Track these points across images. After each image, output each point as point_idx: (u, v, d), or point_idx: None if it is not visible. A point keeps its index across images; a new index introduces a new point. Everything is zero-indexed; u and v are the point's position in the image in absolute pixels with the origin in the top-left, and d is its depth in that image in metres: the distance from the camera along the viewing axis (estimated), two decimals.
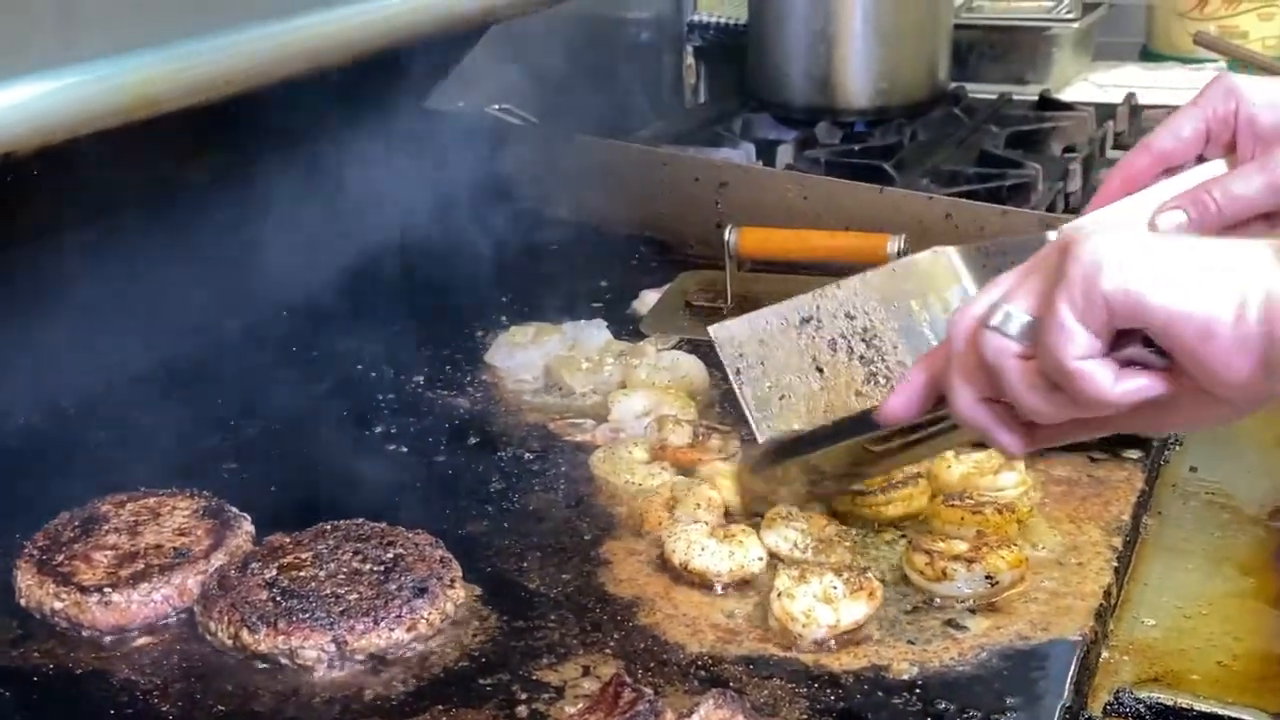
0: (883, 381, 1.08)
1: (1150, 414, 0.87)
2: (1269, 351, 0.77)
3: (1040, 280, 0.85)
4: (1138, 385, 0.83)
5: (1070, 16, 2.75)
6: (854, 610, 1.07)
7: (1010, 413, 0.90)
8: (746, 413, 1.10)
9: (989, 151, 2.29)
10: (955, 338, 0.90)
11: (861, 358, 1.09)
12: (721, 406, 1.45)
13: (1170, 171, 1.08)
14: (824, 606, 1.07)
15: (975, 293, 1.06)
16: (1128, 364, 0.83)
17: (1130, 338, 0.82)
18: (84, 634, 1.10)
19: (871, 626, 1.08)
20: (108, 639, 1.10)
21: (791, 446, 1.11)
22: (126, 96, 1.13)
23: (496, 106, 2.20)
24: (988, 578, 1.10)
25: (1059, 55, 2.74)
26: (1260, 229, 1.08)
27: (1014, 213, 1.73)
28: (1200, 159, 1.08)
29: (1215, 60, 2.84)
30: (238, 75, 1.23)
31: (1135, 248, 0.81)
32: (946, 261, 1.08)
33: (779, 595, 1.09)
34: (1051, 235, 1.06)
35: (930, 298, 1.07)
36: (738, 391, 1.11)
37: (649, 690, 0.93)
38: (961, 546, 1.13)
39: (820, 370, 1.09)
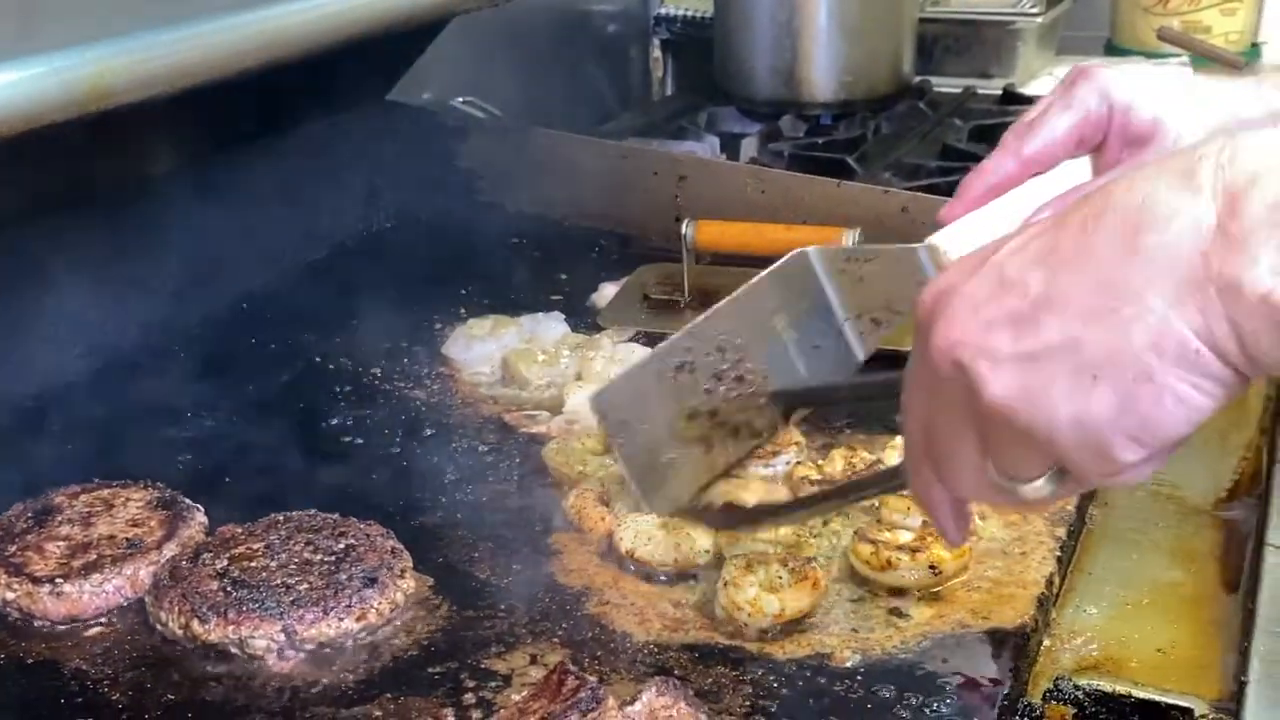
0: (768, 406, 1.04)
1: None
2: (1257, 369, 0.68)
3: (1030, 452, 0.73)
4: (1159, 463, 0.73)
5: (1034, 11, 2.77)
6: (799, 599, 1.09)
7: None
8: (633, 489, 1.04)
9: (951, 145, 2.32)
10: (978, 499, 0.83)
11: (738, 395, 1.03)
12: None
13: (1039, 173, 1.06)
14: (769, 596, 1.08)
15: (835, 299, 1.03)
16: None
17: None
18: (36, 624, 1.10)
19: (816, 615, 1.09)
20: (59, 629, 1.10)
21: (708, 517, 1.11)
22: (82, 89, 1.13)
23: (462, 100, 2.21)
24: (931, 567, 1.11)
25: (1023, 49, 2.76)
26: None
27: None
28: None
29: (1179, 54, 2.86)
30: (195, 68, 1.24)
31: (1100, 407, 0.69)
32: (806, 263, 1.04)
33: (725, 584, 1.10)
34: (923, 252, 1.05)
35: (792, 312, 1.02)
36: (620, 467, 1.04)
37: (592, 678, 0.94)
38: (906, 536, 1.14)
39: (694, 418, 1.03)
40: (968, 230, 1.07)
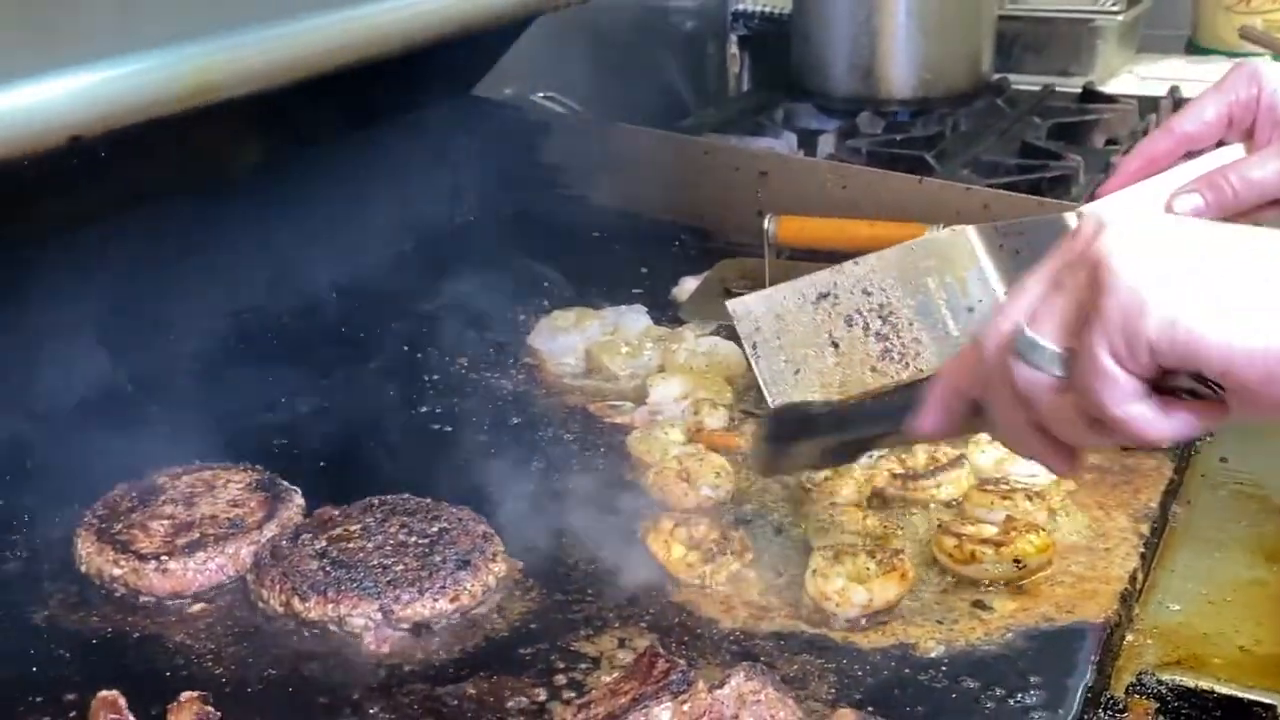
0: (897, 357, 1.10)
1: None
2: None
3: (1069, 304, 0.78)
4: (1185, 423, 0.78)
5: (1115, 9, 2.75)
6: (886, 590, 1.10)
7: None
8: (761, 383, 1.12)
9: (1030, 143, 2.31)
10: (987, 360, 0.85)
11: (877, 334, 1.10)
12: (758, 391, 1.47)
13: (1190, 155, 1.10)
14: (857, 586, 1.10)
15: (993, 273, 1.08)
16: (1173, 393, 0.77)
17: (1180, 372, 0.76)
18: (141, 600, 1.14)
19: (901, 606, 1.11)
20: (164, 605, 1.14)
21: (803, 428, 1.12)
22: (187, 83, 1.17)
23: (542, 94, 2.24)
24: (1015, 561, 1.13)
25: (1103, 47, 2.74)
26: (1272, 216, 1.10)
27: (1051, 204, 1.74)
28: (1220, 144, 1.10)
29: (1260, 54, 2.83)
30: (292, 64, 1.28)
31: (1178, 269, 0.73)
32: (964, 241, 1.09)
33: (813, 574, 1.12)
34: (1071, 218, 1.08)
35: (947, 276, 1.08)
36: (753, 363, 1.13)
37: (682, 662, 0.96)
38: (990, 530, 1.16)
39: (835, 345, 1.11)
40: (1120, 202, 1.09)
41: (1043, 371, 0.80)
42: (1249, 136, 1.10)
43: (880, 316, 1.09)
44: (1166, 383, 0.77)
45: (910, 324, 1.09)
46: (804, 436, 1.12)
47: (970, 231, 1.09)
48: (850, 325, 1.10)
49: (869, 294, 1.10)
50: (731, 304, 1.13)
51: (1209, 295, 0.72)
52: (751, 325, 1.12)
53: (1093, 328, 0.75)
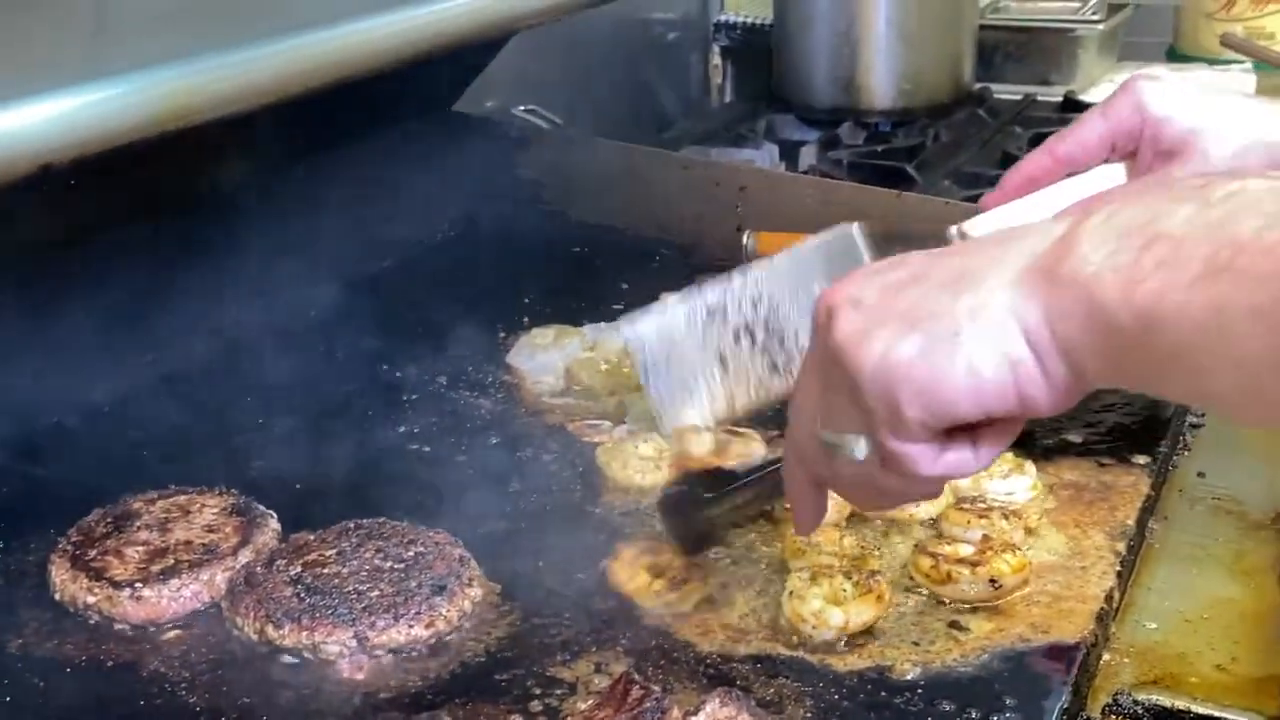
0: (781, 371, 1.09)
1: None
2: (1070, 368, 0.76)
3: (845, 402, 0.83)
4: (996, 441, 0.83)
5: (1096, 18, 2.76)
6: (862, 612, 1.10)
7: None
8: (654, 411, 1.12)
9: (1011, 153, 2.31)
10: (809, 465, 0.92)
11: (763, 347, 1.08)
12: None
13: (1073, 172, 1.12)
14: (833, 608, 1.10)
15: None
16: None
17: None
18: (115, 627, 1.14)
19: (878, 627, 1.11)
20: (138, 632, 1.13)
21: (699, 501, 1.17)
22: (161, 107, 1.17)
23: (523, 108, 2.24)
24: (991, 581, 1.12)
25: (1084, 56, 2.75)
26: None
27: (956, 206, 1.75)
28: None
29: (1241, 61, 2.84)
30: (269, 87, 1.27)
31: (913, 353, 0.78)
32: (850, 241, 1.08)
33: (790, 596, 1.11)
34: (953, 231, 1.09)
35: (831, 278, 1.07)
36: (648, 392, 1.13)
37: (656, 688, 0.96)
38: (967, 550, 1.15)
39: (723, 362, 1.10)
40: (998, 218, 1.12)
41: (856, 462, 0.84)
42: (1132, 158, 1.11)
43: (766, 329, 1.08)
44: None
45: (795, 334, 1.08)
46: (702, 508, 1.17)
47: (855, 231, 1.08)
48: (738, 341, 1.09)
49: (757, 305, 1.09)
50: (625, 330, 1.13)
51: (940, 360, 0.77)
52: (641, 348, 1.12)
53: (873, 424, 0.81)
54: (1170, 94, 1.11)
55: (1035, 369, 0.76)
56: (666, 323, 1.14)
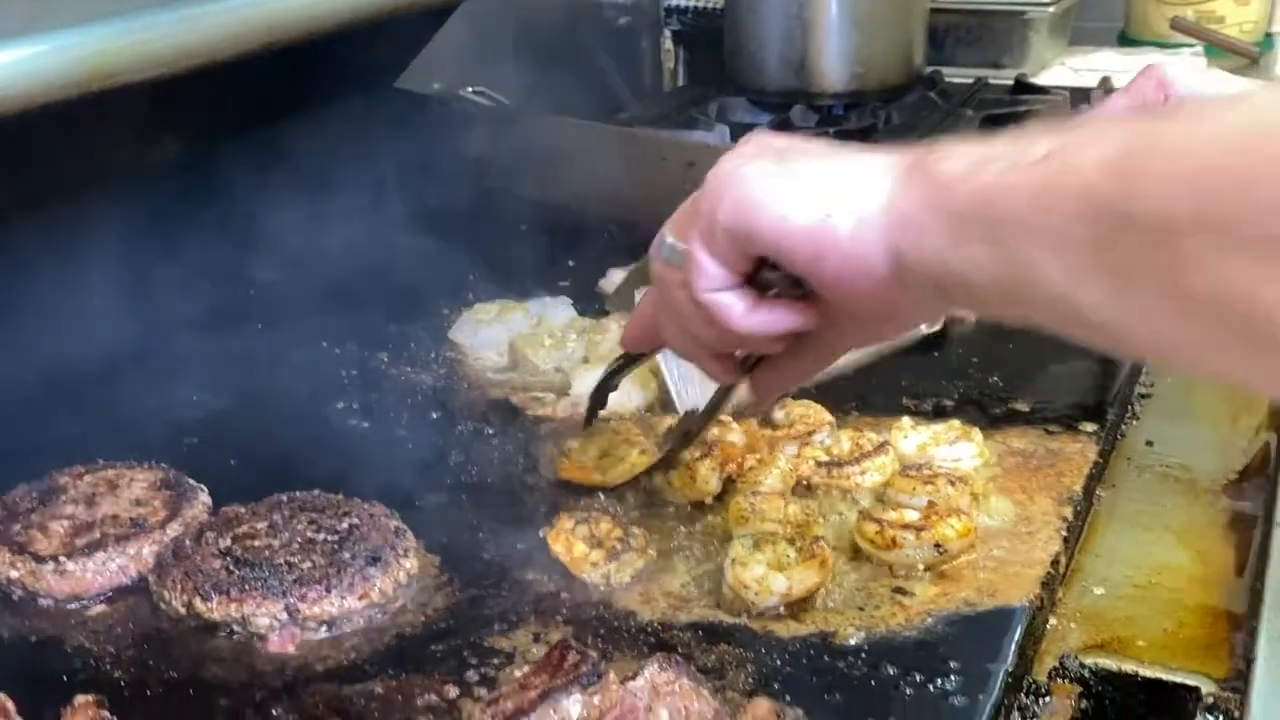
0: None
1: (809, 343, 0.93)
2: (896, 264, 0.79)
3: (691, 208, 0.88)
4: (768, 317, 0.87)
5: (1046, 1, 2.75)
6: (806, 578, 1.08)
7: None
8: (670, 386, 1.11)
9: (963, 134, 2.30)
10: (654, 272, 0.95)
11: None
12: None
13: None
14: (776, 574, 1.08)
15: None
16: (768, 291, 0.86)
17: (769, 265, 0.85)
18: (40, 603, 1.10)
19: (821, 594, 1.09)
20: (63, 608, 1.10)
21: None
22: (85, 69, 1.14)
23: (471, 89, 2.21)
24: (936, 546, 1.11)
25: (1035, 39, 2.74)
26: None
27: None
28: None
29: (1192, 45, 2.85)
30: (196, 49, 1.24)
31: (756, 172, 0.82)
32: None
33: (732, 563, 1.09)
34: None
35: None
36: (662, 366, 1.12)
37: (593, 653, 0.93)
38: (912, 515, 1.14)
39: None
40: None
41: (670, 267, 0.89)
42: None
43: None
44: (762, 279, 0.86)
45: None
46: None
47: None
48: None
49: None
50: (610, 300, 1.13)
51: (773, 185, 0.81)
52: (621, 303, 1.11)
53: (692, 222, 0.86)
54: (1192, 73, 1.11)
55: (847, 232, 0.79)
56: (638, 277, 1.13)
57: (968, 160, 0.75)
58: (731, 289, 0.86)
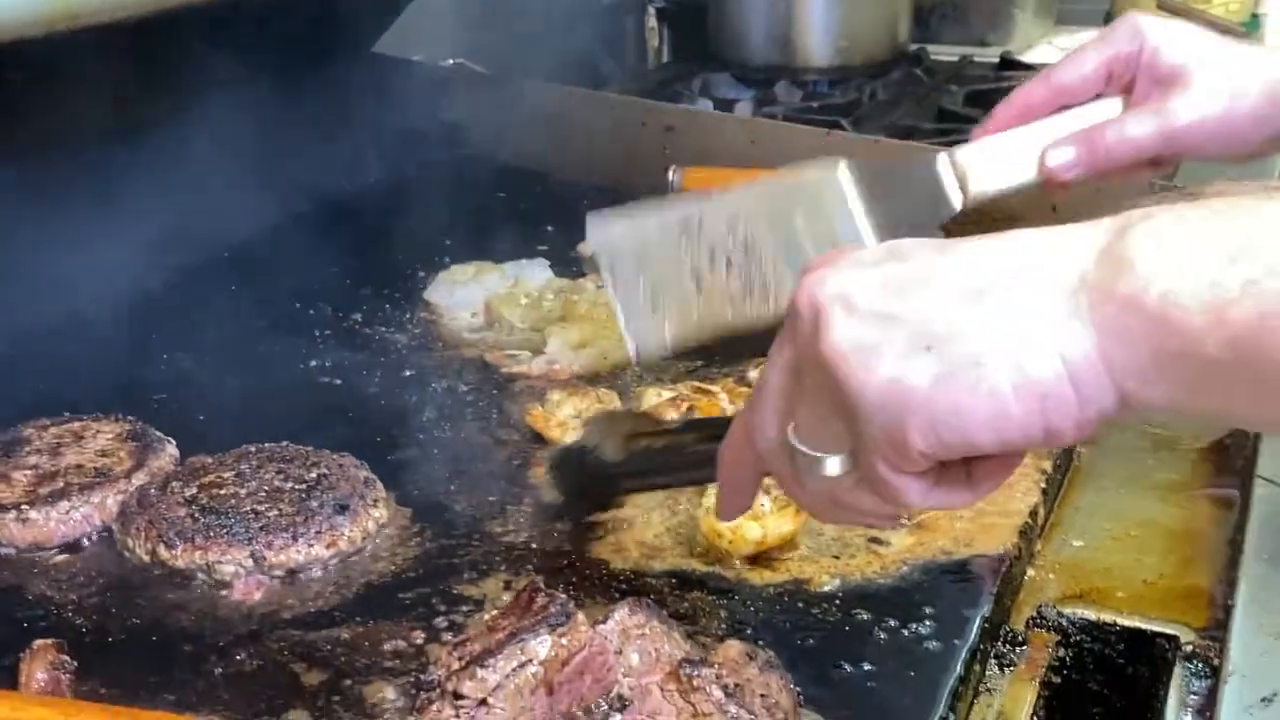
0: (757, 294, 1.03)
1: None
2: (1121, 399, 0.64)
3: (827, 415, 0.71)
4: (946, 497, 0.72)
5: None
6: (781, 526, 1.06)
7: None
8: (618, 320, 1.05)
9: (947, 109, 2.29)
10: (767, 463, 0.78)
11: (740, 268, 1.03)
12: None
13: (1065, 107, 1.06)
14: (751, 523, 1.06)
15: (860, 213, 1.03)
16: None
17: None
18: (1, 552, 1.09)
19: (797, 544, 1.07)
20: (25, 556, 1.09)
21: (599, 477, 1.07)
22: (50, 6, 1.11)
23: (452, 61, 2.19)
24: None
25: (1021, 17, 2.74)
26: (1145, 174, 1.08)
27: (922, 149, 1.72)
28: (1098, 97, 1.07)
29: None
30: None
31: (920, 372, 0.66)
32: (833, 178, 1.04)
33: (707, 511, 1.08)
34: (941, 163, 1.04)
35: (814, 213, 1.02)
36: (609, 293, 1.05)
37: (562, 595, 0.92)
38: None
39: (697, 280, 1.04)
40: (989, 148, 1.06)
41: (828, 478, 0.73)
42: (1127, 91, 1.07)
43: (744, 251, 1.03)
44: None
45: (774, 261, 1.03)
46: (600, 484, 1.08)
47: (841, 167, 1.04)
48: (713, 260, 1.03)
49: (732, 229, 1.03)
50: (591, 222, 1.05)
51: (958, 384, 0.65)
52: (609, 252, 1.05)
53: (864, 448, 0.69)
54: (1167, 25, 1.08)
55: (1071, 400, 0.64)
56: (638, 228, 1.06)
57: (1191, 286, 0.61)
58: (937, 485, 0.71)
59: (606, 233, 1.04)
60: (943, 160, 1.06)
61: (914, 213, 1.04)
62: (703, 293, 1.03)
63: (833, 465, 0.72)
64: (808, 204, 1.03)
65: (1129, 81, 1.07)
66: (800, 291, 0.71)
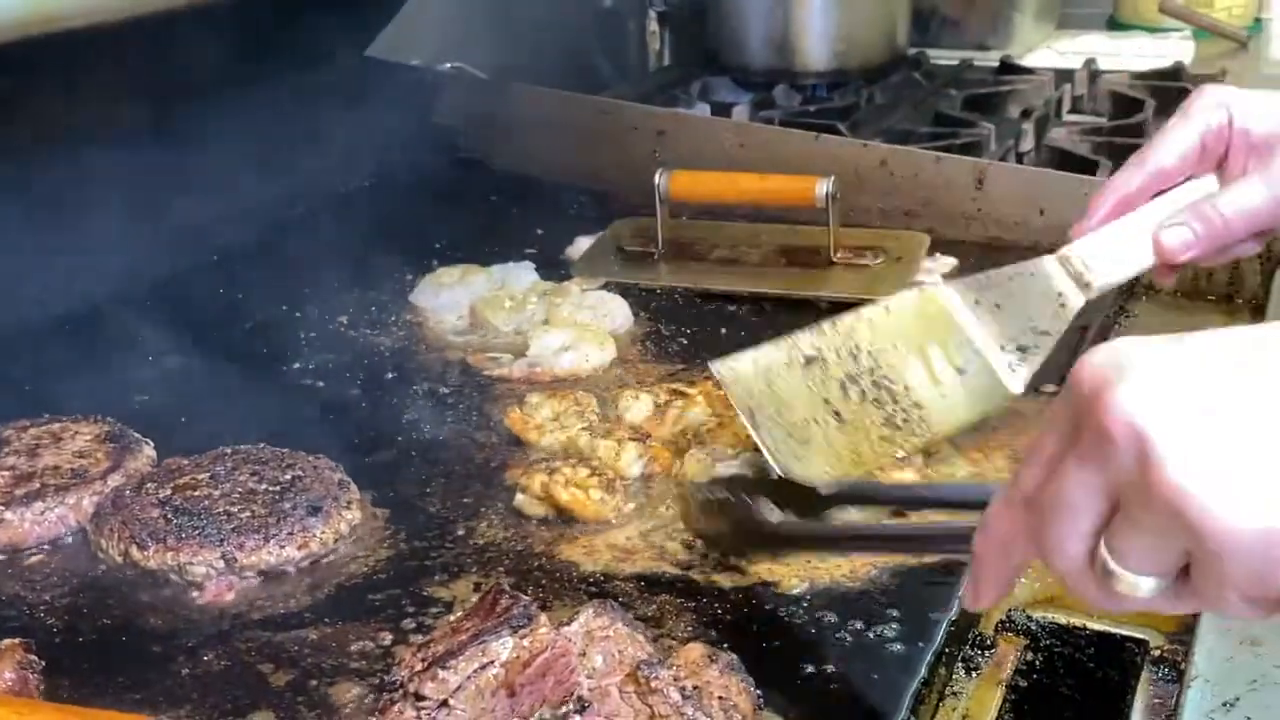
0: (900, 425, 1.02)
1: None
2: None
3: (1158, 541, 0.62)
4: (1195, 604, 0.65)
5: None
6: None
7: None
8: (768, 455, 1.03)
9: (944, 113, 2.29)
10: (1065, 576, 0.67)
11: (875, 401, 1.01)
12: (643, 345, 1.44)
13: (1161, 191, 1.04)
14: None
15: (976, 332, 1.00)
16: None
17: None
18: None
19: None
20: (0, 557, 1.09)
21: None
22: (29, 9, 1.12)
23: (449, 65, 2.19)
24: None
25: (1021, 21, 2.73)
26: (1251, 248, 1.04)
27: (948, 159, 1.72)
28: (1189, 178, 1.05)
29: (1180, 29, 2.83)
30: None
31: (1271, 479, 0.58)
32: (939, 306, 1.02)
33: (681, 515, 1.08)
34: (1050, 265, 1.02)
35: (930, 338, 1.01)
36: (754, 434, 1.04)
37: (526, 597, 0.92)
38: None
39: (838, 414, 1.03)
40: (1097, 243, 1.03)
41: (1142, 597, 0.65)
42: (1219, 166, 1.04)
43: (874, 382, 1.01)
44: None
45: (906, 389, 1.01)
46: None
47: (945, 294, 1.02)
48: (846, 392, 1.01)
49: (856, 357, 1.02)
50: (717, 367, 1.04)
51: None
52: (743, 389, 1.04)
53: (1211, 579, 0.61)
54: (1246, 94, 1.04)
55: None
56: (764, 360, 1.05)
57: None
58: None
59: (733, 369, 1.04)
60: (1051, 262, 1.03)
61: (1034, 320, 1.02)
62: (846, 426, 1.01)
63: (1150, 585, 0.64)
64: (920, 327, 1.01)
65: (1221, 156, 1.04)
66: (1102, 411, 0.61)
